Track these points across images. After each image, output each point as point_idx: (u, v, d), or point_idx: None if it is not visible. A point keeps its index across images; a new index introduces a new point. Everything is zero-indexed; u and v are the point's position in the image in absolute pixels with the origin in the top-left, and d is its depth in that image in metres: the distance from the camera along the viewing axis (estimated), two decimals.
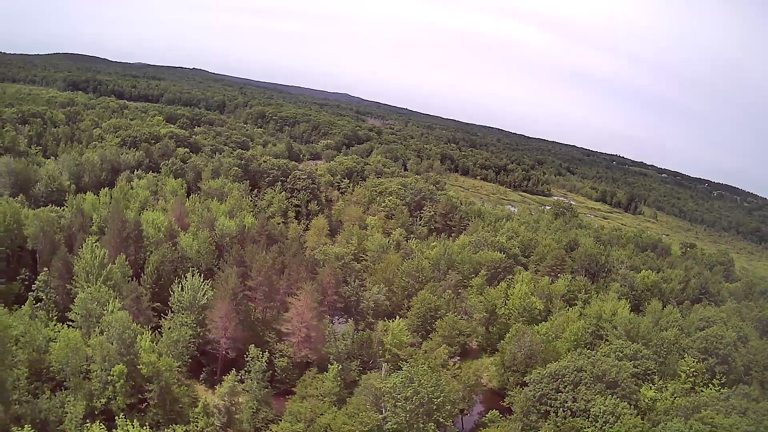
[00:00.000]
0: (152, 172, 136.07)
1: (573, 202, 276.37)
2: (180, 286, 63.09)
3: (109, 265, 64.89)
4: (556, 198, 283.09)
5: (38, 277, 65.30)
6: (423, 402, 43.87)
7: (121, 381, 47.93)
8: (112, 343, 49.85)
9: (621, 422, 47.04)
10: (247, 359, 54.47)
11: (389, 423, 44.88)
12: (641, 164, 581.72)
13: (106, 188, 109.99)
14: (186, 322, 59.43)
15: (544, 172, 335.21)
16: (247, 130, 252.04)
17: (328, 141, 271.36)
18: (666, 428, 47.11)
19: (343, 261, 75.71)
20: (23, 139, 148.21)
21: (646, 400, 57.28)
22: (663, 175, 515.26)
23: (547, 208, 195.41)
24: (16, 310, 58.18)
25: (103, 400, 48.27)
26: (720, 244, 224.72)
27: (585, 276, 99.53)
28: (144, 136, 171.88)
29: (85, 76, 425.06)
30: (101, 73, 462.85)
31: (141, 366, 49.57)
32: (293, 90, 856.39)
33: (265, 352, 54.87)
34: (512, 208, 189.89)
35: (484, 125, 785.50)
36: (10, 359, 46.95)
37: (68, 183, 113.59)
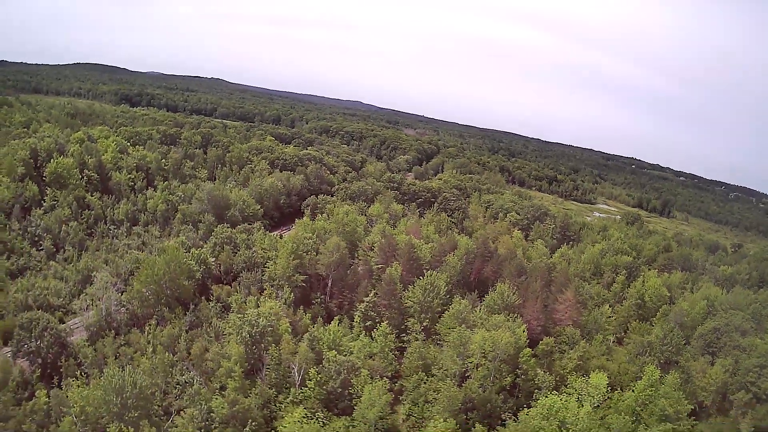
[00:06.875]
0: (314, 194, 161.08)
1: (614, 209, 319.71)
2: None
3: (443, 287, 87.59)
4: (600, 206, 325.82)
5: (366, 299, 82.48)
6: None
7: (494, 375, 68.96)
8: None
9: (756, 351, 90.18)
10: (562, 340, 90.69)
11: None
12: (658, 167, 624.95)
13: (322, 213, 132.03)
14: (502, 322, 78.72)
15: (582, 180, 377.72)
16: (344, 148, 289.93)
17: (408, 156, 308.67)
18: None
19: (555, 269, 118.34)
20: (188, 163, 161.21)
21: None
22: (681, 178, 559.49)
23: (618, 217, 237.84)
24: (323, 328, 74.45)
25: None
26: (748, 243, 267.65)
27: (682, 271, 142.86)
28: (292, 159, 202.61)
29: (137, 89, 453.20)
30: (136, 86, 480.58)
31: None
32: (310, 99, 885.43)
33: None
34: (588, 218, 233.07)
35: (499, 130, 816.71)
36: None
37: (258, 207, 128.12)
